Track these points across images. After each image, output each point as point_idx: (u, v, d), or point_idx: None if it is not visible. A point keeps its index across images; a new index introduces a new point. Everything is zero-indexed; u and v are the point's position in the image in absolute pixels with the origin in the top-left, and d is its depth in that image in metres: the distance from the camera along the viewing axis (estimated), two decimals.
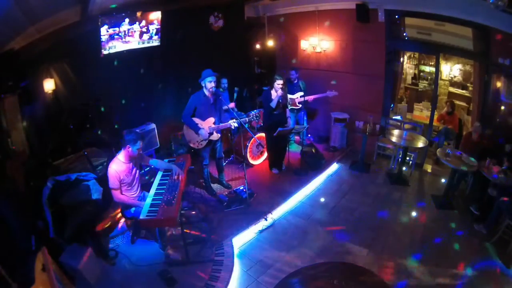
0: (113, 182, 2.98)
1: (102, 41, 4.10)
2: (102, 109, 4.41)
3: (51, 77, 4.00)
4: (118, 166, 3.00)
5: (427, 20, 4.97)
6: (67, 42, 3.91)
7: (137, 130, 4.52)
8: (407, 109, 7.27)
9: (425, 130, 5.62)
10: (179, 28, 5.15)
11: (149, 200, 2.99)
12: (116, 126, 4.47)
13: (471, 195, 4.61)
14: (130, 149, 2.97)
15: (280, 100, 4.61)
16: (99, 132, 4.35)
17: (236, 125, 4.06)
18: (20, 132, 3.57)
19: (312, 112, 6.80)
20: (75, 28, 3.90)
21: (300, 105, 5.44)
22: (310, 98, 5.27)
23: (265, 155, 5.47)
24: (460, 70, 6.68)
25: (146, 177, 4.63)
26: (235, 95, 5.45)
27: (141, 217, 2.79)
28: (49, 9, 3.38)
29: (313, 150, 5.49)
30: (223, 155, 4.59)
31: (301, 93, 5.31)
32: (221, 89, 5.21)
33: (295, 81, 5.44)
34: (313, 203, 4.60)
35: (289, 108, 5.30)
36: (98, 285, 2.98)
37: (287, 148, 5.35)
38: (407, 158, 5.37)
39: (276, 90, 4.52)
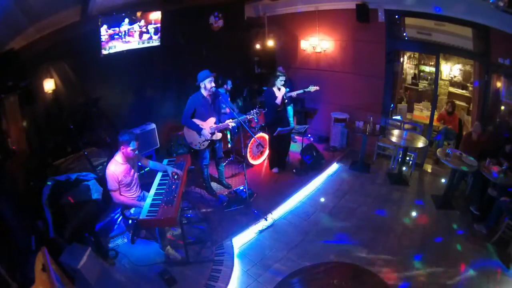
0: (111, 184, 2.98)
1: (102, 41, 4.09)
2: (96, 112, 4.37)
3: (51, 77, 4.00)
4: (116, 167, 2.99)
5: (427, 20, 4.97)
6: (67, 42, 3.90)
7: (134, 130, 4.52)
8: (407, 109, 7.27)
9: (425, 130, 5.62)
10: (179, 28, 5.15)
11: (149, 200, 2.99)
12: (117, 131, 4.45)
13: (471, 195, 4.61)
14: (125, 150, 2.97)
15: (285, 98, 4.68)
16: (99, 133, 4.34)
17: (233, 124, 4.07)
18: (20, 132, 3.57)
19: (312, 112, 6.81)
20: (75, 28, 3.90)
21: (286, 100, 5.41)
22: (293, 93, 5.25)
23: (265, 155, 5.47)
24: (460, 70, 6.68)
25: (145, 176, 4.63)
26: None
27: (141, 217, 2.80)
28: (49, 9, 3.38)
29: (314, 153, 5.46)
30: (223, 155, 4.59)
31: (287, 89, 5.28)
32: (225, 90, 5.21)
33: None
34: (313, 203, 4.60)
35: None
36: (98, 285, 2.97)
37: (289, 148, 5.37)
38: (407, 158, 5.37)
39: (279, 88, 4.61)
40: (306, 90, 5.11)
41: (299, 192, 4.69)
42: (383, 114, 5.80)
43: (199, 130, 3.96)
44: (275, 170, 5.21)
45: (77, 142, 4.04)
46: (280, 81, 4.60)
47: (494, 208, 3.81)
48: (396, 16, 5.25)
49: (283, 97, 4.66)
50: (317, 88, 5.14)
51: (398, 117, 6.07)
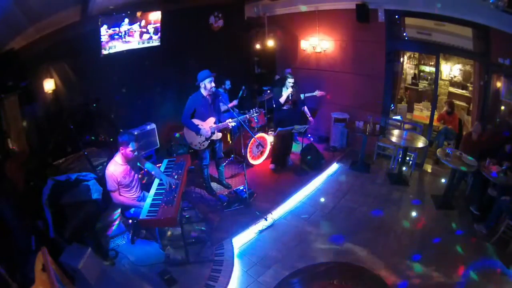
0: (111, 184, 2.97)
1: (102, 41, 4.09)
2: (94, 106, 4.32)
3: (51, 77, 4.00)
4: (116, 168, 2.98)
5: (427, 20, 4.97)
6: (67, 42, 3.90)
7: (134, 131, 4.52)
8: (407, 109, 7.27)
9: (425, 130, 5.62)
10: (179, 28, 5.15)
11: (149, 200, 2.99)
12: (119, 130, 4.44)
13: (471, 195, 4.61)
14: (124, 150, 2.96)
15: (290, 97, 4.77)
16: (99, 133, 4.34)
17: (233, 124, 4.08)
18: (20, 132, 3.57)
19: (312, 112, 6.80)
20: (75, 28, 3.90)
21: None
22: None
23: (265, 155, 5.48)
24: (460, 70, 6.68)
25: (145, 178, 4.62)
26: (240, 93, 5.47)
27: (141, 217, 2.80)
28: (49, 9, 3.38)
29: (314, 153, 5.47)
30: (223, 155, 4.59)
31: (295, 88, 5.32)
32: (223, 90, 5.22)
33: None
34: (313, 203, 4.60)
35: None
36: (98, 285, 2.98)
37: (291, 147, 5.42)
38: (407, 158, 5.37)
39: (287, 88, 4.74)
40: (307, 94, 5.12)
41: (299, 192, 4.69)
42: (383, 114, 5.80)
43: (197, 130, 3.96)
44: (271, 166, 5.26)
45: (77, 142, 4.04)
46: (288, 82, 4.71)
47: (494, 208, 3.81)
48: (396, 16, 5.25)
49: (287, 97, 4.73)
50: (323, 93, 5.19)
51: (398, 117, 6.07)
